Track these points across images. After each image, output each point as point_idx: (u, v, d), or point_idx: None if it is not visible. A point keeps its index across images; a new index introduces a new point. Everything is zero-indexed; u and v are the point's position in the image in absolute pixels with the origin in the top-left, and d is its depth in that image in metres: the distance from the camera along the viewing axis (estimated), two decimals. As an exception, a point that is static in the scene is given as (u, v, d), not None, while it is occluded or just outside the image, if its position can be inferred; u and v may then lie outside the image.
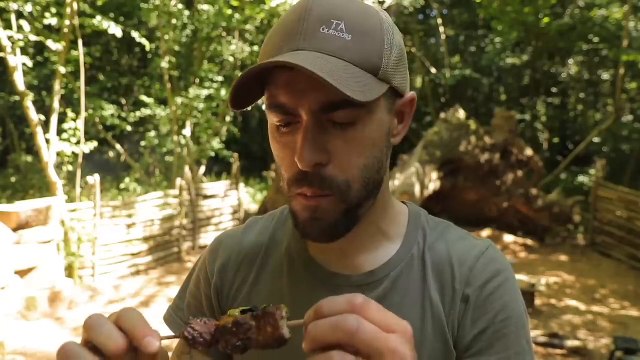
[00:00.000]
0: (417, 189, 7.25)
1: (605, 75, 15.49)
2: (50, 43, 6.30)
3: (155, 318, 5.04)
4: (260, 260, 0.80)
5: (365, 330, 0.44)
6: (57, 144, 6.49)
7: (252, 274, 0.80)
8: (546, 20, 11.89)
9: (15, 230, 5.13)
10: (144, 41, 7.97)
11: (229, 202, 8.77)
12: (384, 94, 0.64)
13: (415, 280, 0.73)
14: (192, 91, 9.35)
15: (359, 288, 0.72)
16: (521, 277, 5.99)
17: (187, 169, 9.08)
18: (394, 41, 0.66)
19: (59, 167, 6.77)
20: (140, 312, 0.50)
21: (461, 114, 8.79)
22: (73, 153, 6.60)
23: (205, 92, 9.44)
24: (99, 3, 7.13)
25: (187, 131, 9.72)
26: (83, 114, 6.98)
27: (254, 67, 0.61)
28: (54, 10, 6.72)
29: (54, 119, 6.55)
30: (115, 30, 6.76)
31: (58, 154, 6.60)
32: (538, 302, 5.74)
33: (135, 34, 7.86)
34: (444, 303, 0.71)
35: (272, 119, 0.67)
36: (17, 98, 9.14)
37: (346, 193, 0.65)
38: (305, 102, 0.62)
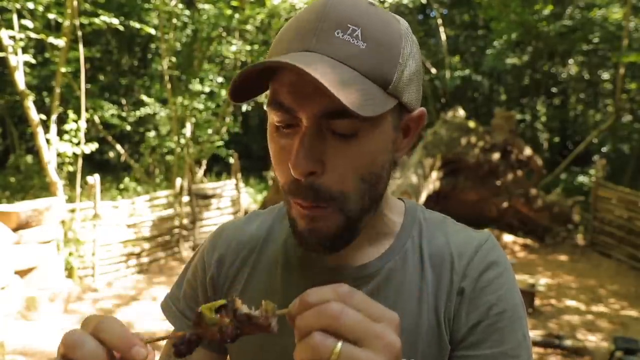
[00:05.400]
0: (417, 189, 7.25)
1: (605, 75, 15.48)
2: (51, 39, 6.29)
3: (155, 319, 5.03)
4: (256, 254, 0.80)
5: (348, 315, 0.44)
6: (58, 144, 6.48)
7: (247, 269, 0.80)
8: (544, 23, 11.88)
9: (15, 230, 5.12)
10: (151, 31, 7.81)
11: (228, 202, 8.77)
12: (391, 109, 0.62)
13: (411, 274, 0.72)
14: (192, 90, 9.34)
15: (352, 282, 0.71)
16: (521, 277, 5.99)
17: (187, 168, 9.09)
18: (410, 55, 0.64)
19: (59, 167, 6.76)
20: (120, 321, 0.50)
21: (461, 114, 8.79)
22: (74, 153, 6.60)
23: (205, 91, 9.43)
24: (100, 0, 7.09)
25: (187, 131, 9.72)
26: (83, 114, 6.97)
27: (259, 63, 0.59)
28: (54, 10, 6.71)
29: (54, 119, 6.55)
30: (114, 20, 6.67)
31: (58, 154, 6.59)
32: (537, 302, 5.73)
33: (137, 25, 7.75)
34: (441, 295, 0.70)
35: (272, 117, 0.65)
36: (17, 98, 9.12)
37: (343, 203, 0.63)
38: (307, 107, 0.60)
